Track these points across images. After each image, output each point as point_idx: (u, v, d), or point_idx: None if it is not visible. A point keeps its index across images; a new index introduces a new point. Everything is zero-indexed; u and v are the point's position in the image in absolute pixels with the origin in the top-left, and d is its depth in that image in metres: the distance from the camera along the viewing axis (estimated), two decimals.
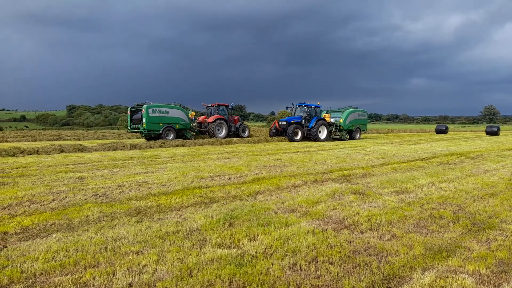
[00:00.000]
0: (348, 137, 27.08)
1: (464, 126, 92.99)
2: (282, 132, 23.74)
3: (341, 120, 26.22)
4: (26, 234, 4.28)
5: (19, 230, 4.39)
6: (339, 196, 6.38)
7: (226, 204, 5.76)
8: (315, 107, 24.55)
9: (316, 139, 23.52)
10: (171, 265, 3.42)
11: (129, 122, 22.29)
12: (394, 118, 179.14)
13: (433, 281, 3.18)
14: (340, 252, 3.77)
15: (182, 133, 22.72)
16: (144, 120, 20.41)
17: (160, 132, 21.13)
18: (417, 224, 4.81)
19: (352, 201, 6.01)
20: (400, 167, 10.14)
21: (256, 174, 8.65)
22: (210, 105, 25.63)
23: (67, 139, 24.53)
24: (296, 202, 5.87)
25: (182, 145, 18.03)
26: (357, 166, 10.18)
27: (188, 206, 5.61)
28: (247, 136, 26.26)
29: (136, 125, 21.43)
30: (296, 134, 23.00)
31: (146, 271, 3.29)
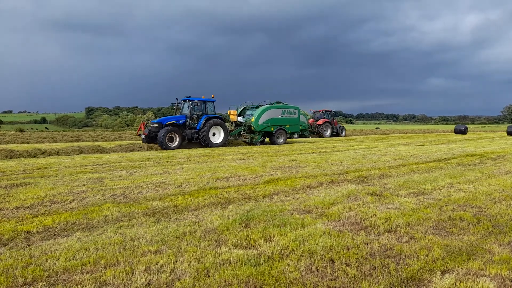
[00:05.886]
0: (264, 140, 21.23)
1: (484, 126, 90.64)
2: (154, 138, 17.16)
3: (253, 119, 20.18)
4: (48, 233, 4.40)
5: (41, 229, 4.52)
6: (356, 197, 6.32)
7: (242, 204, 5.78)
8: (201, 101, 18.57)
9: (208, 144, 17.87)
10: (189, 265, 3.46)
11: None
12: (411, 119, 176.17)
13: (453, 284, 3.12)
14: (357, 253, 3.74)
15: (302, 132, 25.80)
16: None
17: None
18: (436, 226, 4.73)
19: (369, 203, 5.95)
20: (418, 168, 9.98)
21: (271, 175, 8.65)
22: (317, 110, 33.53)
23: (86, 140, 25.01)
24: (312, 203, 5.85)
25: (197, 146, 18.19)
26: (373, 167, 10.06)
27: (204, 207, 5.66)
28: (344, 136, 33.40)
29: None
30: (172, 139, 17.01)
31: (164, 271, 3.33)
